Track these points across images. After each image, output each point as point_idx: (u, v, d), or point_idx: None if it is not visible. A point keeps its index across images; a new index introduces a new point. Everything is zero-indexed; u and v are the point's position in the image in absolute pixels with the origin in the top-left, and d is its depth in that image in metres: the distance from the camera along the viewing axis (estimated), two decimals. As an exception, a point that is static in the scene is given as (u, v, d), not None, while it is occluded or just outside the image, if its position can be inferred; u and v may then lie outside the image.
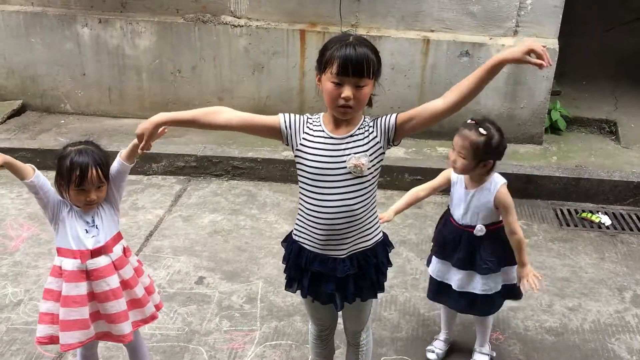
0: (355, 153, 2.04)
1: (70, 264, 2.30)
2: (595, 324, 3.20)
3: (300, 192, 2.15)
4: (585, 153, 5.00)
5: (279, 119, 2.10)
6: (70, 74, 5.42)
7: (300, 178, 2.13)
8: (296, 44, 5.04)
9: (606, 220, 4.24)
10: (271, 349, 2.97)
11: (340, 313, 2.35)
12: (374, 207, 2.17)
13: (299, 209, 2.19)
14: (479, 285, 2.68)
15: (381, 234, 2.24)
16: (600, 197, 4.48)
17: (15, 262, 3.61)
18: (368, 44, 1.99)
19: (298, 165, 2.12)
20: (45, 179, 2.31)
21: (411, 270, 3.62)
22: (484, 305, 2.75)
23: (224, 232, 4.00)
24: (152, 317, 2.50)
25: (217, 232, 4.00)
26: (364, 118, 2.10)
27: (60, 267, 2.32)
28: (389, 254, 2.29)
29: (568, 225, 4.20)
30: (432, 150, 4.99)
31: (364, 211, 2.12)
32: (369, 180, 2.09)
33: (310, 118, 2.12)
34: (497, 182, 2.61)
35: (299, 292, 2.29)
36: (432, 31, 4.96)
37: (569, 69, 6.15)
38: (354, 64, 1.92)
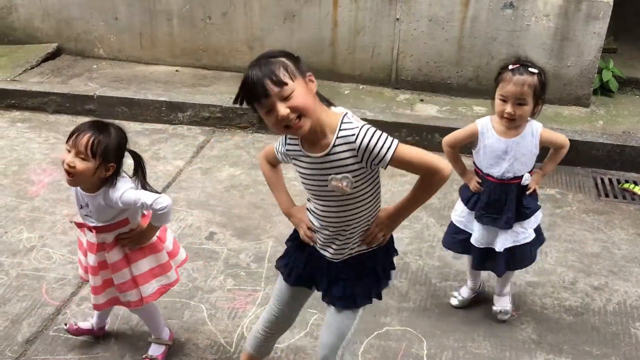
0: (336, 174, 1.84)
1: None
2: (620, 305, 2.98)
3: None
4: (636, 118, 4.62)
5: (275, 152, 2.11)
6: (103, 17, 5.37)
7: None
8: (329, -9, 4.79)
9: (650, 192, 3.93)
10: (272, 311, 2.90)
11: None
12: (373, 211, 1.98)
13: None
14: (523, 234, 2.63)
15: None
16: (646, 167, 4.15)
17: (33, 208, 3.65)
18: (275, 51, 1.78)
19: None
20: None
21: (429, 237, 3.46)
22: (527, 253, 2.69)
23: (241, 187, 3.92)
24: (135, 304, 2.43)
25: (234, 187, 3.92)
26: (340, 128, 1.80)
27: None
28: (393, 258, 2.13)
29: (607, 196, 3.92)
30: (467, 109, 4.71)
31: (361, 219, 1.96)
32: (364, 191, 1.90)
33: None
34: (536, 126, 2.53)
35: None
36: (476, -20, 4.60)
37: (631, 25, 5.66)
38: (262, 83, 1.69)
